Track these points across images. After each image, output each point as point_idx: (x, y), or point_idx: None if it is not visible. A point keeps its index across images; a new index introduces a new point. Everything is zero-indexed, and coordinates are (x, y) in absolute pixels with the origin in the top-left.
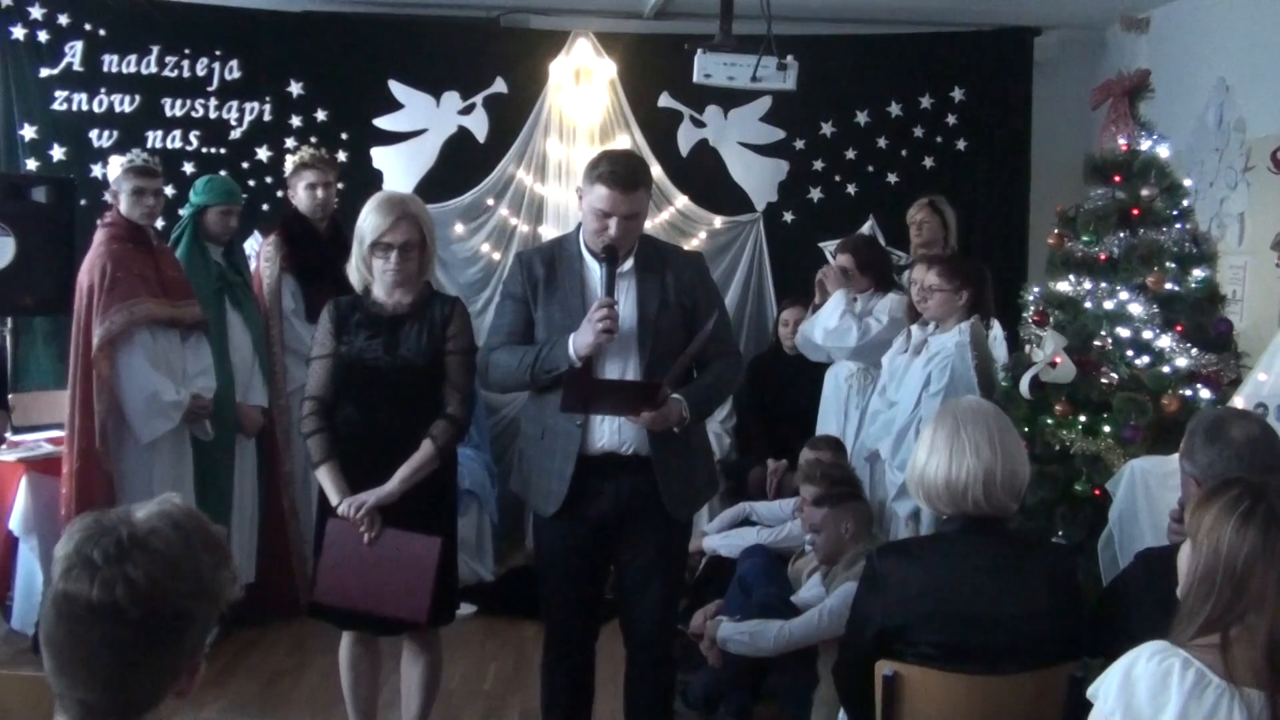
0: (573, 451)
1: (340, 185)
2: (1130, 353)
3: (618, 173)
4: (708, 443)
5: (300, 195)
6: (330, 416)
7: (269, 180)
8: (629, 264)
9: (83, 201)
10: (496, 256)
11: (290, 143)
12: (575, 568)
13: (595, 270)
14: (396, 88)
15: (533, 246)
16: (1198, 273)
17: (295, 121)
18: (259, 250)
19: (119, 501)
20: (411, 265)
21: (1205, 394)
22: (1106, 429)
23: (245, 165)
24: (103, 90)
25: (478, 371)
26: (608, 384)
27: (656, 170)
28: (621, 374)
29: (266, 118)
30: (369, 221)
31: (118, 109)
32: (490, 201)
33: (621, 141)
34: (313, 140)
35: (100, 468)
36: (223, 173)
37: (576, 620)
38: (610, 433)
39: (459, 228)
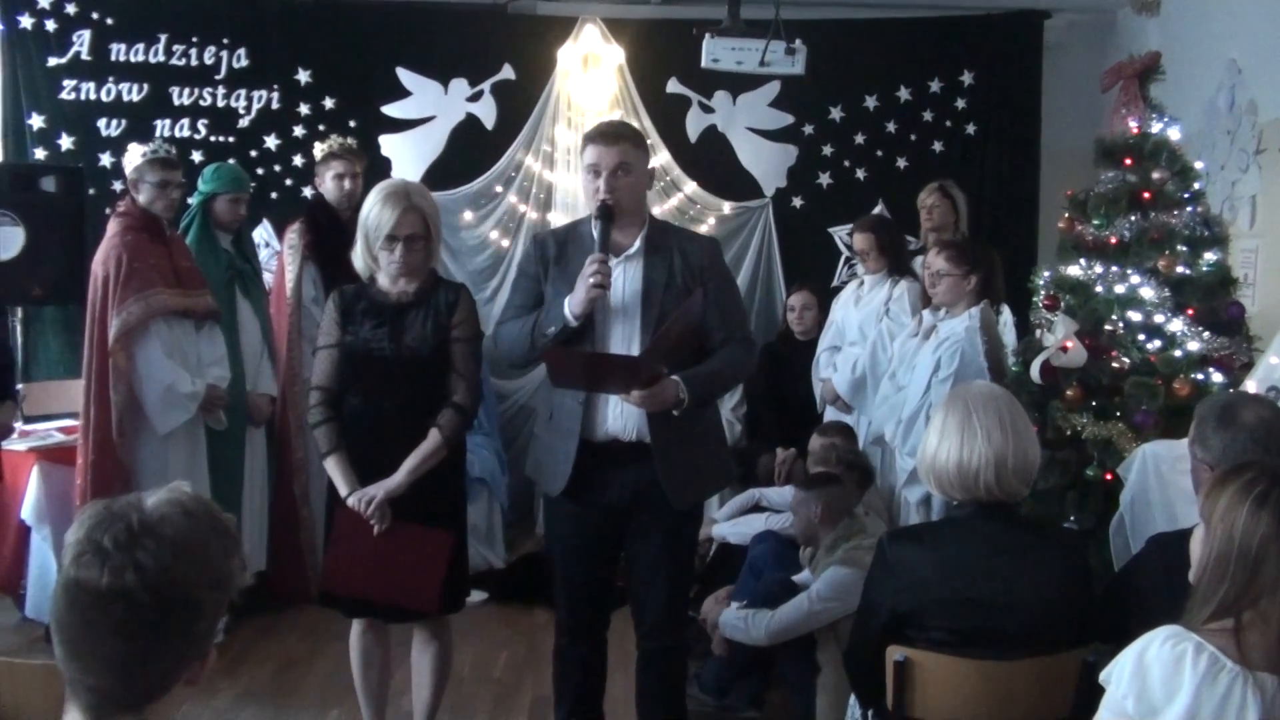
0: (575, 431)
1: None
2: (1141, 337)
3: (600, 127)
4: (720, 431)
5: (328, 184)
6: (337, 406)
7: (277, 169)
8: (637, 245)
9: (91, 191)
10: (505, 244)
11: (299, 131)
12: (585, 553)
13: (596, 228)
14: (404, 75)
15: (549, 229)
16: (1209, 256)
17: (303, 109)
18: (282, 238)
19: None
20: (417, 256)
21: (1217, 378)
22: (1118, 413)
23: (253, 154)
24: (111, 79)
25: (489, 347)
26: (587, 356)
27: (665, 156)
28: (625, 351)
29: (274, 106)
30: (375, 214)
31: (126, 98)
32: (499, 189)
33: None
34: (321, 128)
35: (116, 458)
36: (231, 161)
37: (588, 605)
38: (615, 417)
39: (468, 215)
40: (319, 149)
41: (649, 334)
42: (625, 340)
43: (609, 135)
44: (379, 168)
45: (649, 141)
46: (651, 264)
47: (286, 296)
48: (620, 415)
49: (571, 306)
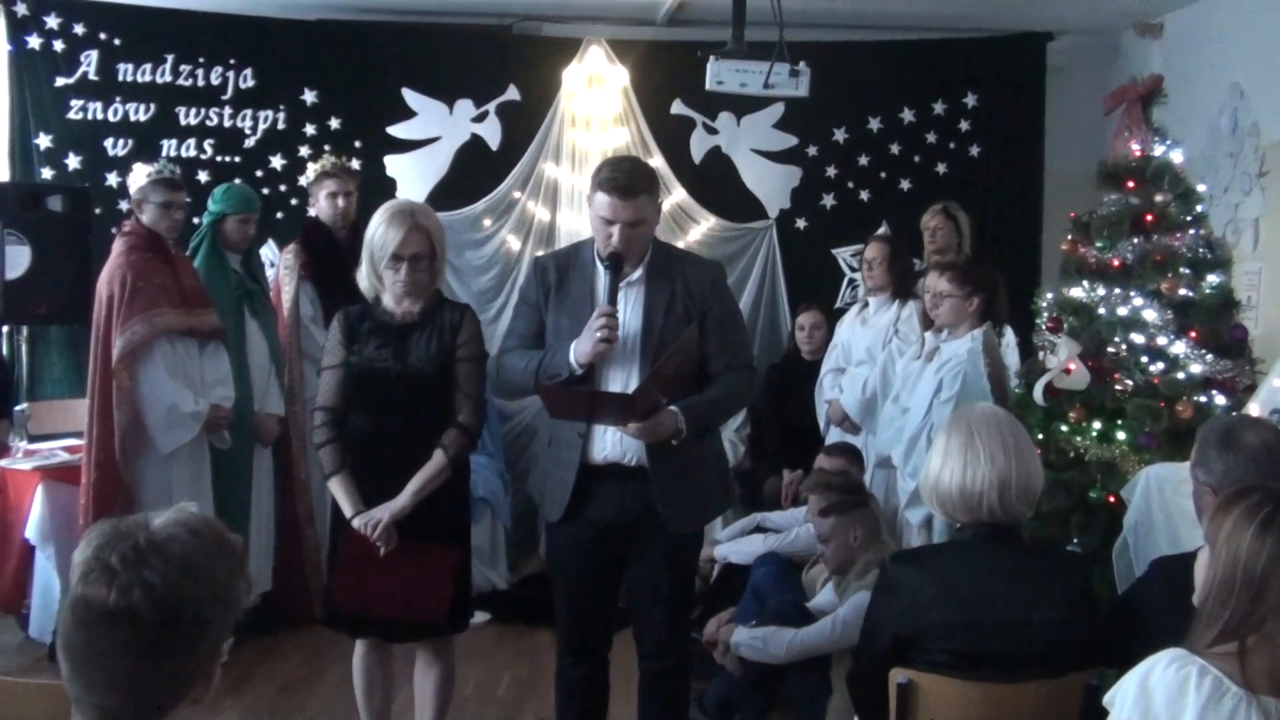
0: (575, 460)
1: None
2: (1144, 359)
3: (617, 180)
4: (721, 456)
5: (321, 204)
6: (341, 426)
7: (283, 188)
8: (639, 272)
9: (98, 210)
10: (516, 247)
11: (304, 151)
12: (585, 575)
13: (604, 278)
14: (410, 95)
15: (549, 252)
16: (1212, 278)
17: (309, 130)
18: (279, 258)
19: (138, 512)
20: (422, 276)
21: (1220, 400)
22: (1121, 435)
23: (259, 174)
24: (118, 99)
25: (490, 375)
26: (583, 394)
27: (668, 176)
28: (625, 383)
29: (280, 126)
30: (380, 234)
31: (133, 118)
32: (517, 194)
33: (634, 149)
34: (327, 148)
35: (118, 478)
36: (239, 181)
37: (588, 626)
38: (613, 443)
39: (486, 221)
40: (311, 169)
41: (648, 362)
42: (625, 373)
43: (626, 190)
44: (384, 188)
45: (650, 156)
46: (653, 291)
47: (284, 317)
48: (619, 442)
49: (577, 356)
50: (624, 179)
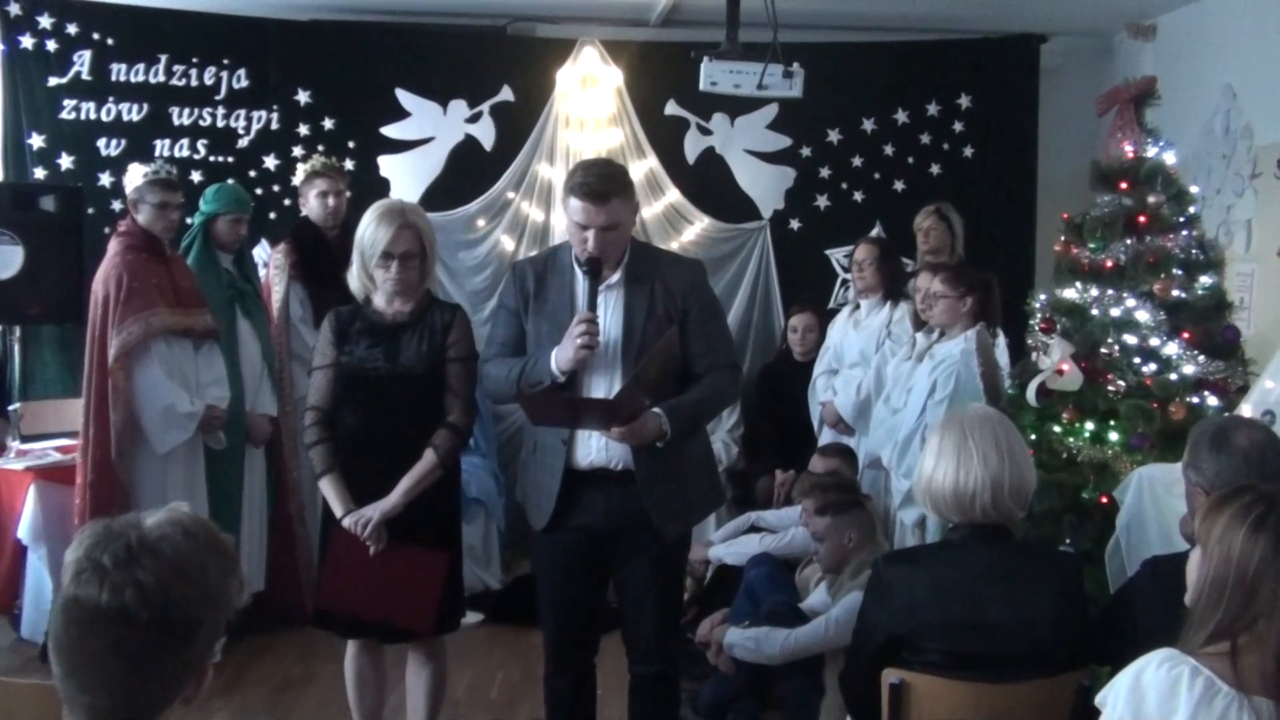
0: (558, 468)
1: (347, 193)
2: (1137, 360)
3: (589, 184)
4: (709, 457)
5: (312, 203)
6: (332, 426)
7: (276, 189)
8: (617, 275)
9: (90, 210)
10: (510, 247)
11: (298, 151)
12: (569, 581)
13: (583, 283)
14: (403, 96)
15: (527, 257)
16: (1205, 279)
17: (303, 130)
18: (269, 258)
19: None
20: (412, 274)
21: (1213, 401)
22: (1114, 436)
23: (253, 174)
24: (111, 99)
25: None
26: (565, 400)
27: (663, 177)
28: (608, 389)
29: (274, 126)
30: (370, 232)
31: (126, 118)
32: (511, 195)
33: (628, 150)
34: (320, 149)
35: (115, 478)
36: (231, 181)
37: (573, 634)
38: (598, 448)
39: (480, 222)
40: (301, 169)
41: (630, 367)
42: (607, 379)
43: (598, 195)
44: (378, 188)
45: (644, 157)
46: (632, 293)
47: (274, 317)
48: (604, 447)
49: (559, 363)
50: (596, 183)
